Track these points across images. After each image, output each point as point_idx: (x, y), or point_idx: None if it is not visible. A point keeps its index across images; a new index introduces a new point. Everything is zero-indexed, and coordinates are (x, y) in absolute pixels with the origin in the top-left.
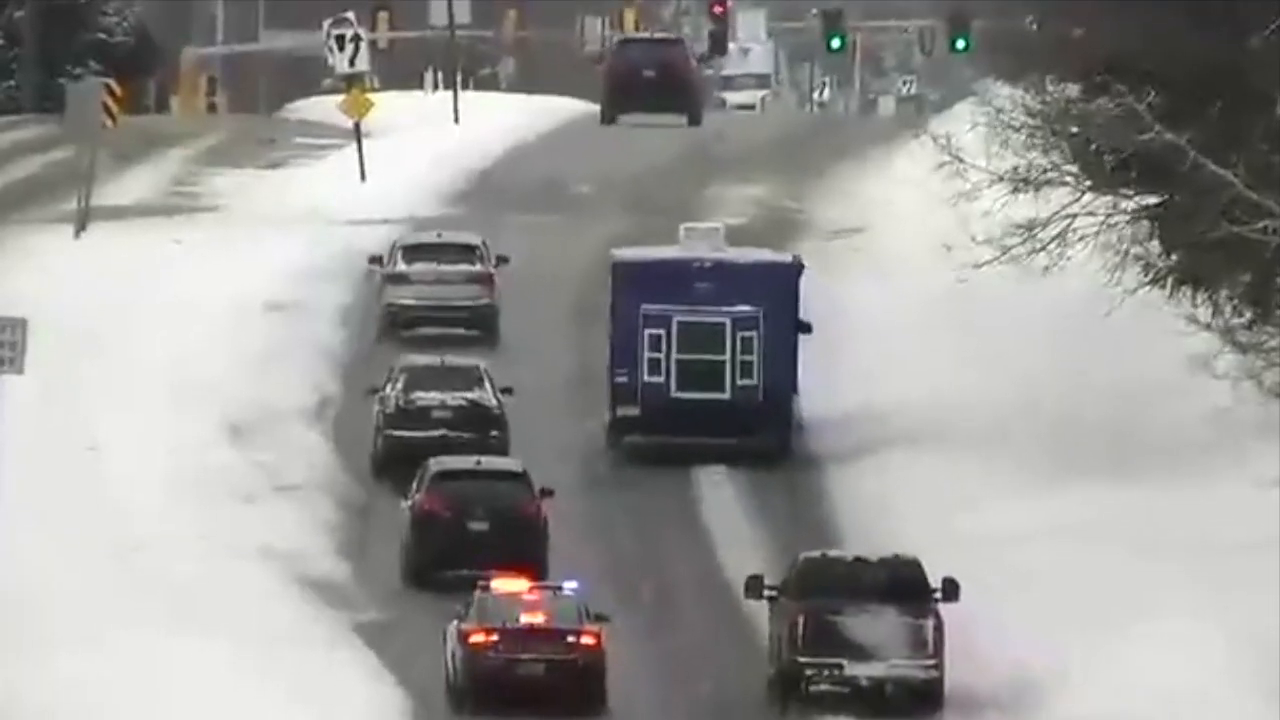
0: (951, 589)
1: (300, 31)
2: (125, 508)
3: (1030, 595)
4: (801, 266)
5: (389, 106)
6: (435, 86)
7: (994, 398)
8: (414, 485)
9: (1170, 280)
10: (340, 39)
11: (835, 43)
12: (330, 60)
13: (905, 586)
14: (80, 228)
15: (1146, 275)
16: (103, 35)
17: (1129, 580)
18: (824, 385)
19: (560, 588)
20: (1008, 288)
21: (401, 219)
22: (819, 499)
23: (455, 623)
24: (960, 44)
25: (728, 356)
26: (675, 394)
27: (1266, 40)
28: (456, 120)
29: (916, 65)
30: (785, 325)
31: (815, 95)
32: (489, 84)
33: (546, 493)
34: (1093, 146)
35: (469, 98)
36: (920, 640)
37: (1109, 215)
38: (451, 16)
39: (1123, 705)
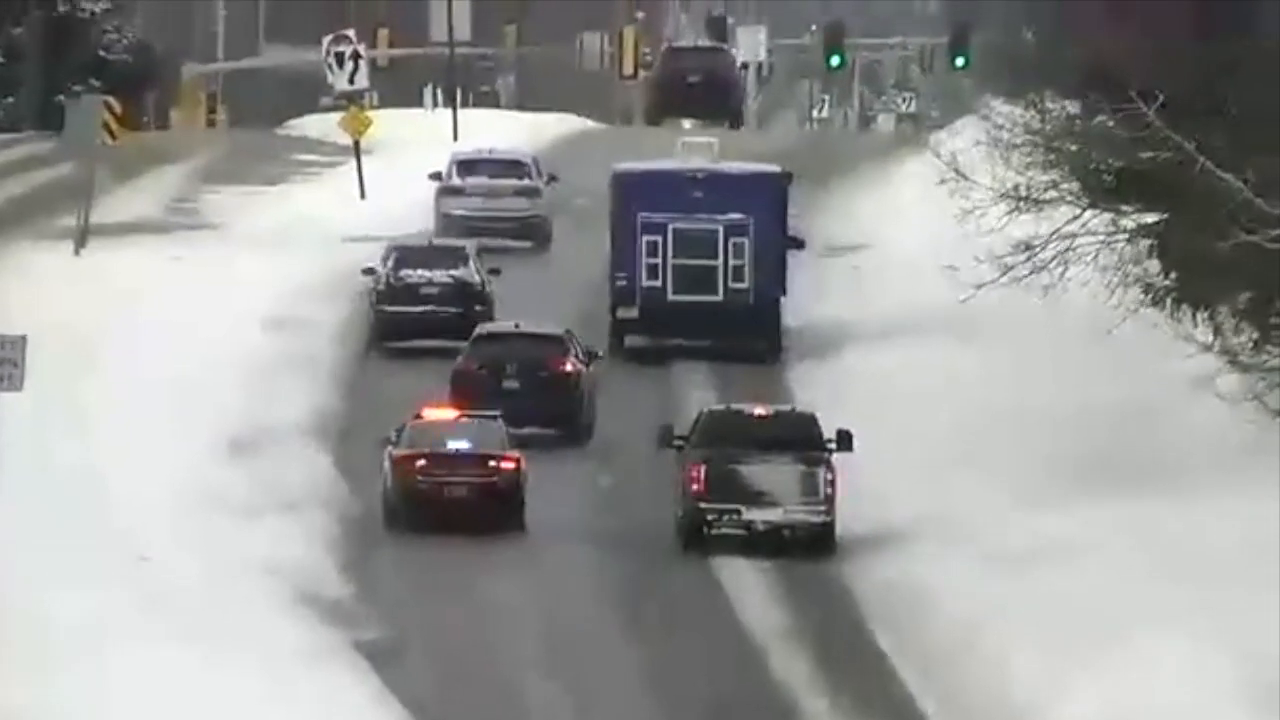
0: (845, 440)
1: (301, 48)
2: (125, 524)
3: (1028, 612)
4: (790, 177)
5: (388, 124)
6: (435, 104)
7: (993, 416)
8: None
9: (1170, 300)
10: (340, 56)
11: (835, 60)
12: (330, 78)
13: (801, 438)
14: (80, 244)
15: (1146, 295)
16: (103, 52)
17: (1127, 598)
18: (824, 391)
19: (487, 417)
20: (1009, 305)
21: (400, 237)
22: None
23: (389, 448)
24: (960, 61)
25: (720, 261)
26: (672, 297)
27: (1272, 49)
28: (456, 137)
29: (916, 82)
30: (775, 233)
31: (814, 112)
32: (489, 101)
33: (594, 356)
34: (1093, 166)
35: (468, 115)
36: (813, 487)
37: (1110, 234)
38: (451, 33)
39: None
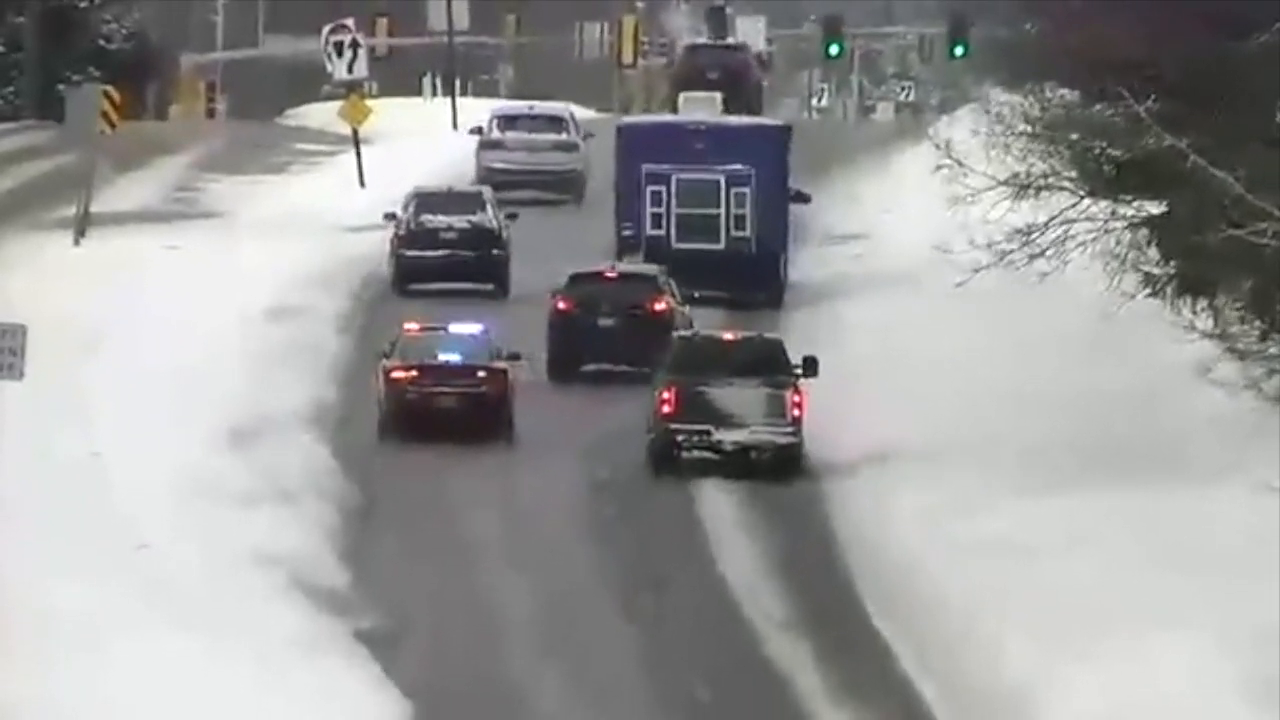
0: (811, 366)
1: (300, 37)
2: (126, 512)
3: (1025, 600)
4: (790, 129)
5: (388, 113)
6: (434, 93)
7: (992, 403)
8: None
9: (1169, 288)
10: (339, 46)
11: (834, 49)
12: (329, 67)
13: (768, 362)
14: (80, 234)
15: (1145, 283)
16: (103, 41)
17: (1128, 586)
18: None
19: (477, 330)
20: (1008, 293)
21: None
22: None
23: (383, 361)
24: (959, 50)
25: (722, 210)
26: (675, 245)
27: (1268, 41)
28: (455, 126)
29: (915, 71)
30: (776, 184)
31: (814, 101)
32: (488, 90)
33: (691, 298)
34: (1094, 151)
35: (468, 104)
36: (779, 409)
37: (1107, 221)
38: (450, 22)
39: (1118, 712)
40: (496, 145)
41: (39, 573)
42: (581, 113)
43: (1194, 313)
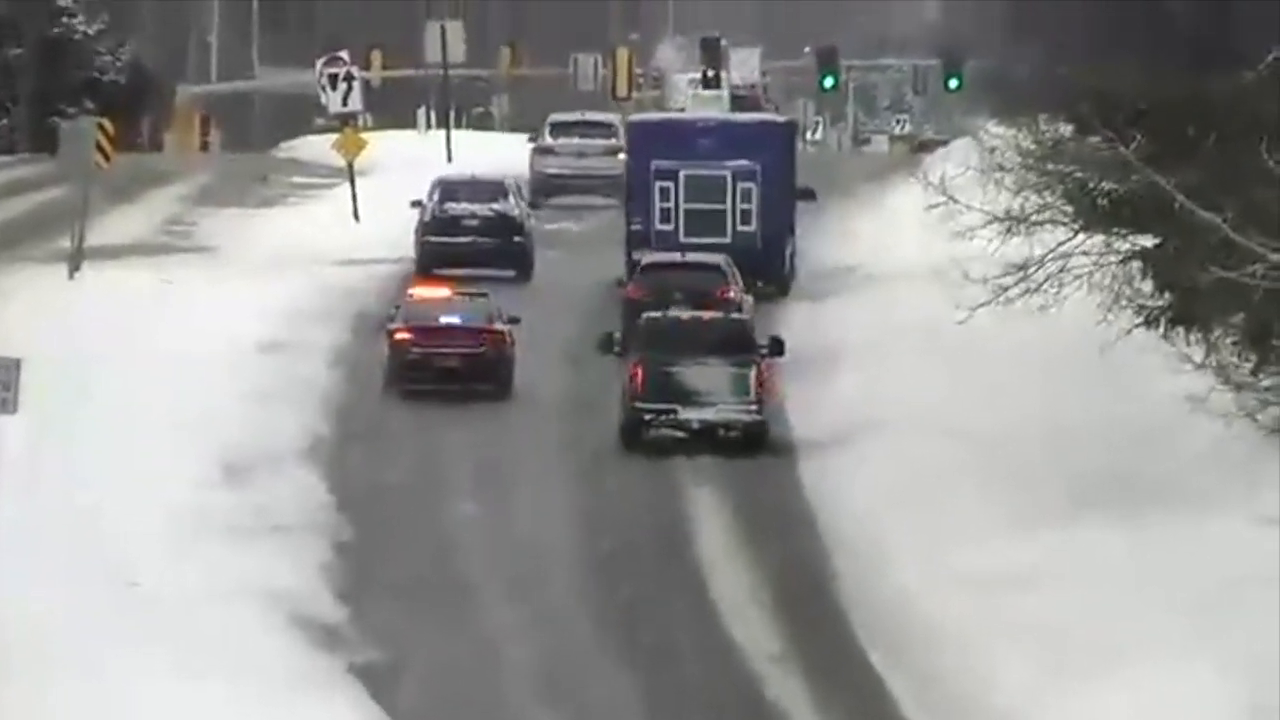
0: (777, 346)
1: (295, 70)
2: (121, 547)
3: (1024, 633)
4: (795, 125)
5: (382, 146)
6: (429, 125)
7: (988, 435)
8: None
9: (1164, 321)
10: (333, 78)
11: (829, 81)
12: (323, 99)
13: (733, 341)
14: (75, 267)
15: (1139, 316)
16: (98, 73)
17: (1126, 618)
18: (816, 413)
19: (478, 293)
20: (1004, 326)
21: (395, 259)
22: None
23: (389, 324)
24: (953, 83)
25: (729, 205)
26: (684, 239)
27: (1259, 78)
28: (450, 159)
29: (910, 104)
30: (782, 178)
31: (808, 134)
32: (483, 123)
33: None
34: (1086, 189)
35: (462, 137)
36: (744, 387)
37: (1102, 255)
38: (445, 55)
39: None
40: (549, 151)
41: (31, 607)
42: None
43: (1189, 344)
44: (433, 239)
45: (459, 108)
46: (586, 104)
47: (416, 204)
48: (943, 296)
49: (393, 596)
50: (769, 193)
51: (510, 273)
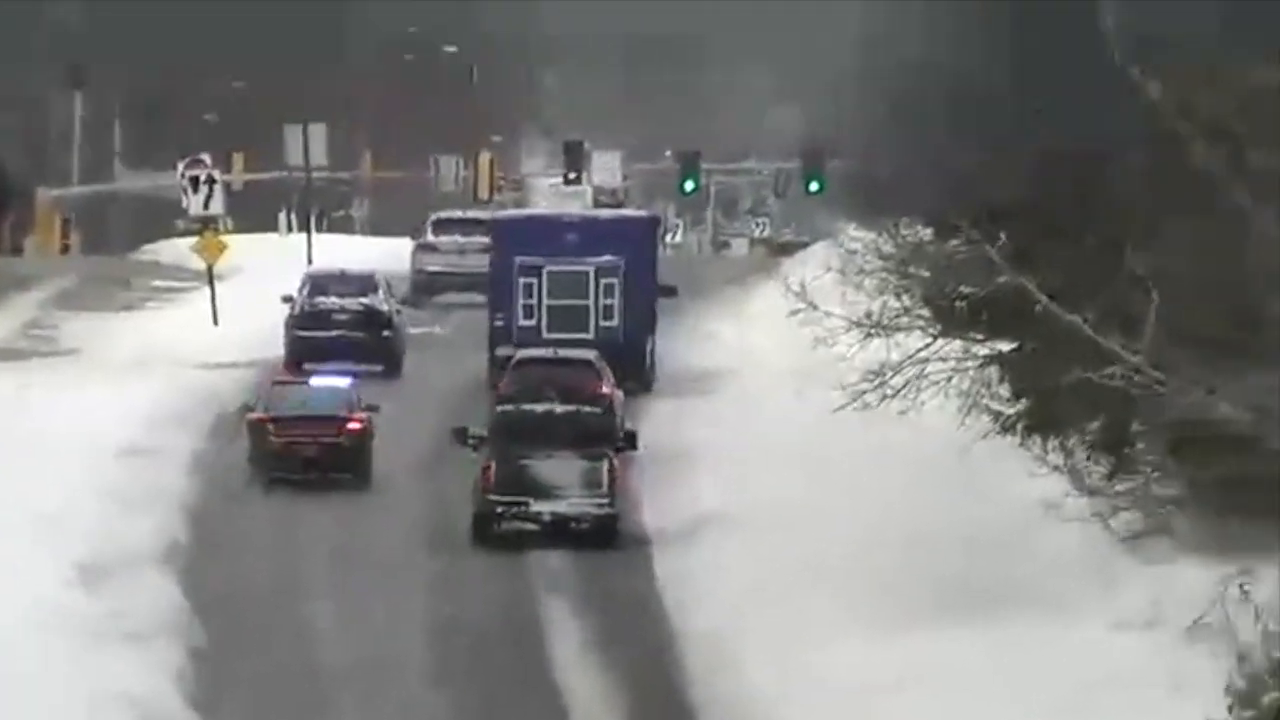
0: (631, 440)
1: (156, 172)
2: None
3: None
4: (658, 220)
5: (243, 249)
6: (290, 228)
7: (848, 537)
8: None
9: (1020, 427)
10: (195, 180)
11: (689, 185)
12: (185, 202)
13: (587, 434)
14: None
15: (995, 421)
16: None
17: None
18: (675, 510)
19: (343, 381)
20: (865, 428)
21: (254, 362)
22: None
23: (249, 414)
24: (814, 185)
25: (591, 301)
26: (547, 334)
27: (1122, 173)
28: (310, 261)
29: (770, 207)
30: (645, 274)
31: (669, 237)
32: (344, 226)
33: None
34: (944, 293)
35: (323, 240)
36: (596, 480)
37: (960, 361)
38: (307, 158)
39: None
40: (431, 249)
41: None
42: None
43: (1045, 450)
44: (301, 332)
45: (321, 211)
46: (450, 206)
47: (288, 299)
48: (803, 399)
49: (246, 702)
50: (632, 288)
51: (378, 367)
